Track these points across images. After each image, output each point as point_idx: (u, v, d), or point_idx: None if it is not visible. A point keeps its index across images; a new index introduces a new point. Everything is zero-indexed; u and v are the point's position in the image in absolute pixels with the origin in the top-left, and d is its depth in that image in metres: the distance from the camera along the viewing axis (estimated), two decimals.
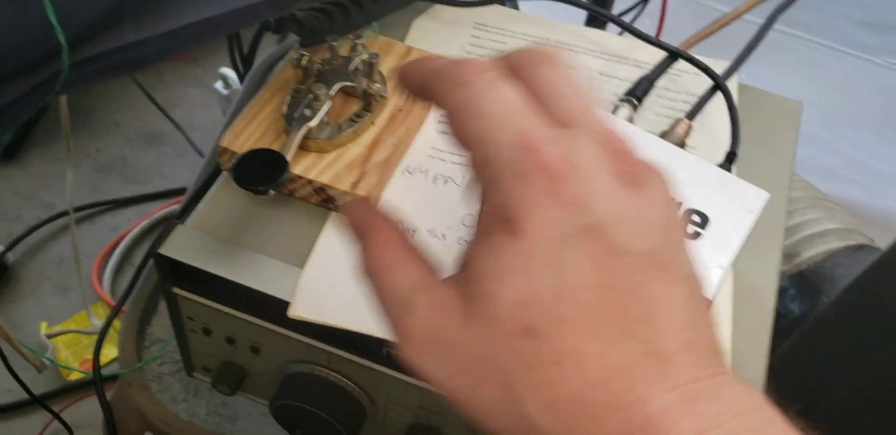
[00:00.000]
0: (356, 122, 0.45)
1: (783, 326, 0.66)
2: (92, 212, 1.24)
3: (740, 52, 0.50)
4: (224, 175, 0.47)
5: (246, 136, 0.45)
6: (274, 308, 0.41)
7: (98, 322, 0.97)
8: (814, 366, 0.59)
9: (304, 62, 0.45)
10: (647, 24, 0.90)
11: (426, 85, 0.25)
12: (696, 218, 0.38)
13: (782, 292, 0.65)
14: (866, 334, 0.55)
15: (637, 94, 0.48)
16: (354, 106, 0.46)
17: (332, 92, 0.44)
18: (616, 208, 0.23)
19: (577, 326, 0.22)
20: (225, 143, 0.44)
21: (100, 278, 1.12)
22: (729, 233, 0.38)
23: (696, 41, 0.50)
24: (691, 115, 0.46)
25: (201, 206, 0.45)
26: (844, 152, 1.02)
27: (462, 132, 0.24)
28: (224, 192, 0.46)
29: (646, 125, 0.51)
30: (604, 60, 0.55)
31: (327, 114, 0.44)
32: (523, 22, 0.57)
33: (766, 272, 0.44)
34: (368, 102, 0.46)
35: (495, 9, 0.57)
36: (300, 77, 0.46)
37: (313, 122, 0.43)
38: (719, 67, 0.50)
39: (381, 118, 0.47)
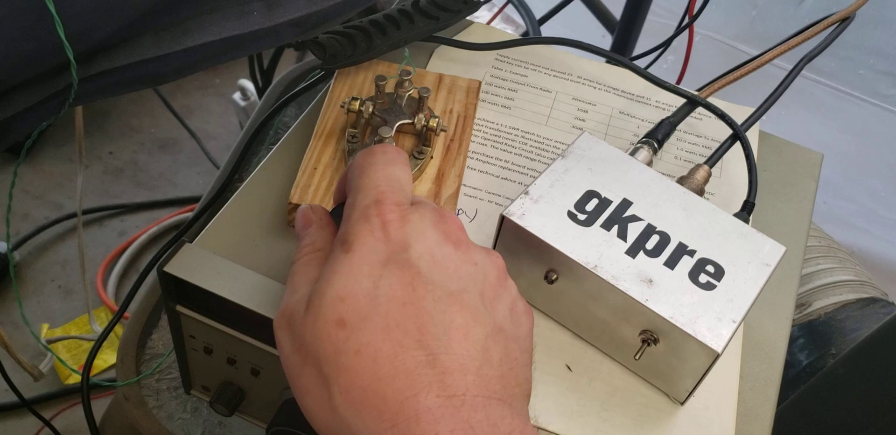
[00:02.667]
0: (420, 159, 0.45)
1: (790, 376, 0.65)
2: (101, 215, 1.25)
3: (763, 101, 0.50)
4: (235, 195, 0.47)
5: (314, 189, 0.44)
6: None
7: (99, 327, 0.96)
8: (820, 420, 0.58)
9: (355, 106, 0.45)
10: (670, 60, 0.90)
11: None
12: (711, 269, 0.38)
13: (791, 341, 0.64)
14: (876, 392, 0.54)
15: (657, 136, 0.47)
16: (407, 141, 0.46)
17: (393, 132, 0.44)
18: (431, 252, 0.30)
19: (378, 326, 0.27)
20: (295, 199, 0.43)
21: (104, 283, 1.12)
22: (744, 286, 0.37)
23: (719, 88, 0.50)
24: (711, 162, 0.46)
25: (211, 225, 0.45)
26: (859, 201, 1.01)
27: (350, 182, 0.33)
28: (235, 214, 0.45)
29: (664, 167, 0.50)
30: (625, 100, 0.54)
31: None
32: (544, 57, 0.57)
33: (777, 326, 0.43)
34: (426, 137, 0.45)
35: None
36: (352, 120, 0.46)
37: None
38: (740, 114, 0.50)
39: (438, 151, 0.46)
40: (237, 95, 1.34)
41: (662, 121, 0.48)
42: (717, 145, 0.48)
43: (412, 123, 0.45)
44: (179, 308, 0.45)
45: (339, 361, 0.27)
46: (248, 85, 1.31)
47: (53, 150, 1.34)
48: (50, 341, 0.97)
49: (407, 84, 0.47)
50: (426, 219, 0.31)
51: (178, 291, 0.44)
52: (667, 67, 0.94)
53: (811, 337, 0.65)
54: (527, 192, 0.40)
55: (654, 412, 0.39)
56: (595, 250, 0.38)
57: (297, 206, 0.44)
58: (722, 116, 0.48)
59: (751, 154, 0.46)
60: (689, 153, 0.52)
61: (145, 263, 1.20)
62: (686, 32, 0.63)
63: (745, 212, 0.43)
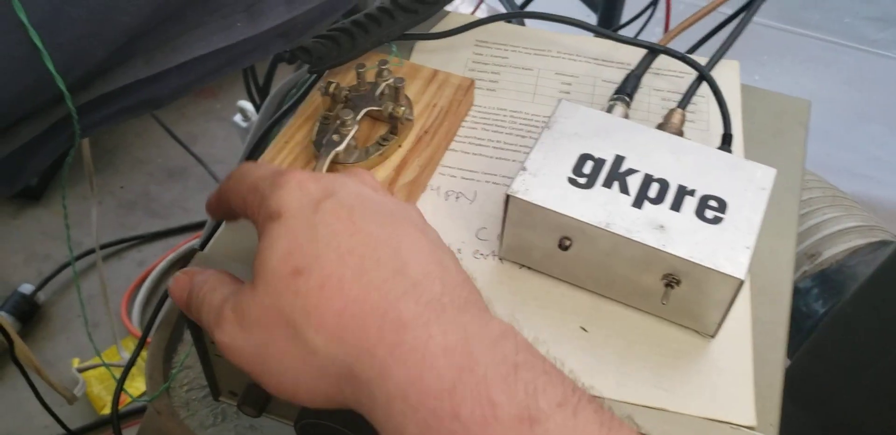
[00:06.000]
0: (383, 145, 0.46)
1: (808, 327, 0.65)
2: (119, 248, 1.27)
3: (721, 43, 0.52)
4: None
5: (277, 164, 0.46)
6: None
7: (128, 355, 0.98)
8: (833, 361, 0.58)
9: (331, 89, 0.46)
10: (657, 31, 0.91)
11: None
12: (714, 203, 0.39)
13: (805, 293, 0.64)
14: (883, 328, 0.54)
15: (627, 90, 0.48)
16: (383, 129, 0.47)
17: (359, 117, 0.45)
18: (357, 193, 0.31)
19: (333, 259, 0.28)
20: None
21: (129, 312, 1.13)
22: (748, 213, 0.38)
23: (674, 35, 0.51)
24: (683, 104, 0.47)
25: (219, 233, 0.46)
26: (862, 149, 1.01)
27: (236, 186, 0.34)
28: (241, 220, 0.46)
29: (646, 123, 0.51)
30: (605, 68, 0.55)
31: (355, 138, 0.45)
32: (522, 36, 0.58)
33: (780, 270, 0.44)
34: (395, 125, 0.46)
35: (494, 26, 0.58)
36: (328, 104, 0.47)
37: (341, 147, 0.44)
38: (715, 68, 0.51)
39: (408, 140, 0.48)
40: (238, 117, 1.35)
41: (628, 75, 0.50)
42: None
43: (380, 110, 0.47)
44: None
45: (306, 303, 0.28)
46: (248, 105, 1.32)
47: (67, 191, 1.37)
48: (81, 370, 0.98)
49: (386, 73, 0.48)
50: (339, 174, 0.33)
51: None
52: (656, 39, 0.95)
53: (825, 286, 0.65)
54: (524, 168, 0.40)
55: (670, 361, 0.39)
56: (603, 209, 0.39)
57: None
58: (683, 59, 0.49)
59: (718, 90, 0.48)
60: (666, 101, 0.53)
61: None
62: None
63: (726, 145, 0.44)
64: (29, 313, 1.14)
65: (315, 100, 0.50)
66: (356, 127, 0.45)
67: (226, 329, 0.30)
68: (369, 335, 0.27)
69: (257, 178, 0.32)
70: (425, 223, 0.33)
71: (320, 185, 0.31)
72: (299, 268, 0.28)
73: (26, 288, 1.17)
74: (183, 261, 1.25)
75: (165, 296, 0.60)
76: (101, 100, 0.42)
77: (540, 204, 0.39)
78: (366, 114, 0.47)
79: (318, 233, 0.29)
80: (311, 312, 0.28)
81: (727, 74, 0.54)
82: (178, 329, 0.60)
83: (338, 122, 0.45)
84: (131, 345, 1.09)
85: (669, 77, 0.55)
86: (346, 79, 0.51)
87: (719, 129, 0.50)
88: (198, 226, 1.29)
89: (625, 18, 0.93)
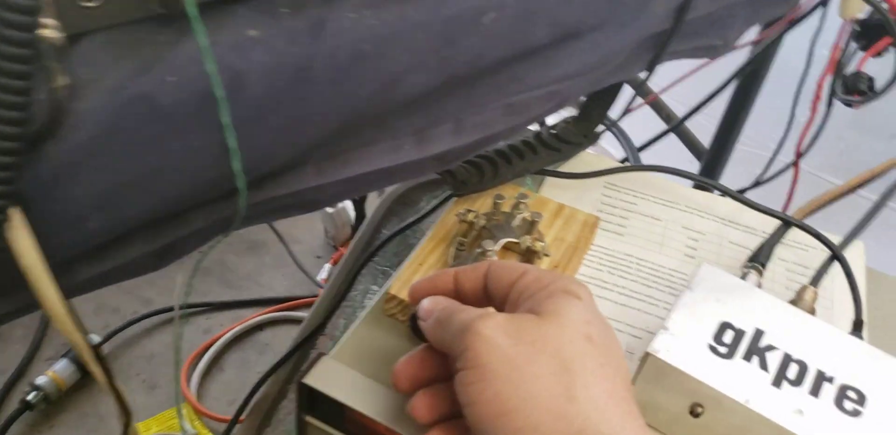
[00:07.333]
0: None
1: None
2: (187, 312, 1.29)
3: (856, 223, 0.52)
4: (367, 311, 0.49)
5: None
6: None
7: (188, 425, 0.98)
8: None
9: (470, 217, 0.49)
10: (758, 192, 0.92)
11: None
12: (853, 395, 0.39)
13: None
14: None
15: (760, 260, 0.49)
16: (512, 259, 0.49)
17: (498, 247, 0.47)
18: (607, 328, 0.36)
19: (616, 355, 0.34)
20: (394, 290, 0.47)
21: (188, 379, 1.14)
22: (889, 411, 0.38)
23: (809, 210, 0.52)
24: (815, 282, 0.48)
25: (344, 339, 0.47)
26: None
27: (499, 270, 0.38)
28: (367, 329, 0.48)
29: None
30: (733, 229, 0.57)
31: None
32: (651, 185, 0.60)
33: None
34: (529, 258, 0.48)
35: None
36: (463, 230, 0.49)
37: None
38: (834, 241, 0.52)
39: None
40: None
41: (763, 244, 0.51)
42: (817, 266, 0.50)
43: (517, 243, 0.48)
44: (308, 418, 0.47)
45: (586, 364, 0.32)
46: None
47: None
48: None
49: (522, 206, 0.50)
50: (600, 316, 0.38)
51: (310, 402, 0.46)
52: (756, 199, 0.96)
53: None
54: (666, 328, 0.41)
55: None
56: (743, 383, 0.39)
57: (394, 296, 0.47)
58: (818, 236, 0.50)
59: (850, 272, 0.48)
60: (787, 280, 0.53)
61: (228, 360, 1.23)
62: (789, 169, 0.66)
63: (857, 331, 0.44)
64: None
65: (447, 223, 0.52)
66: (495, 257, 0.47)
67: (490, 325, 0.33)
68: (633, 417, 0.32)
69: (541, 271, 0.37)
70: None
71: (596, 311, 0.37)
72: (592, 337, 0.33)
73: (92, 339, 1.19)
74: (249, 334, 1.26)
75: (261, 382, 0.61)
76: (268, 200, 0.44)
77: (681, 368, 0.39)
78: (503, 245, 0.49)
79: (610, 332, 0.35)
80: (588, 373, 0.32)
81: (853, 255, 0.55)
82: (267, 417, 0.61)
83: (478, 250, 0.47)
84: (185, 412, 1.09)
85: (795, 248, 0.56)
86: (475, 205, 0.53)
87: (843, 311, 0.51)
88: (269, 301, 1.31)
89: (731, 172, 0.96)
